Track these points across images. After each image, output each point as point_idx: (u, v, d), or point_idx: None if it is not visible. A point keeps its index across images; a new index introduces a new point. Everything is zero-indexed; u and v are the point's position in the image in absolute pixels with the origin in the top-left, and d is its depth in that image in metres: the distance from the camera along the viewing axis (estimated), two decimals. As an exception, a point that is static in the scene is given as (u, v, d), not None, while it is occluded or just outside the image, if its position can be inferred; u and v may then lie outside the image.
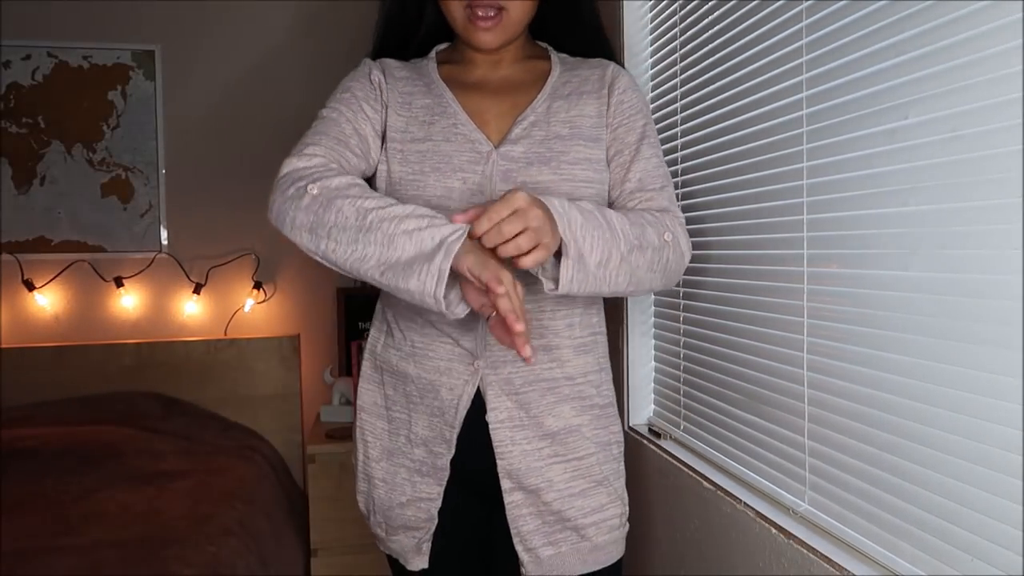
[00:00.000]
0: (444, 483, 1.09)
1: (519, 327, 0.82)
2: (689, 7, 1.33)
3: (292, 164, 0.98)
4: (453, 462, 1.08)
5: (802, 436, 0.99)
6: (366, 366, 1.17)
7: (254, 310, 2.72)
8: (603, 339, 1.17)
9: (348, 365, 2.67)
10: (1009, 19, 0.64)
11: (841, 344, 0.90)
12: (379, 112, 1.10)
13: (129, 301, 2.63)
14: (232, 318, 2.69)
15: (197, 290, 2.66)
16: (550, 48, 1.20)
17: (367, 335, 1.19)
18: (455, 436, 1.07)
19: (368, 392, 1.16)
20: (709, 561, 1.22)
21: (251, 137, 2.70)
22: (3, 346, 2.53)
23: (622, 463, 1.16)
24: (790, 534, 0.98)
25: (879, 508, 0.84)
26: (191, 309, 2.67)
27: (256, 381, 2.66)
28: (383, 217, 0.89)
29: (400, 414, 1.12)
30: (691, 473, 1.28)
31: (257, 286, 2.69)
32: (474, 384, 1.06)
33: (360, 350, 2.48)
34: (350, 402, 2.55)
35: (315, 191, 0.92)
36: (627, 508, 1.15)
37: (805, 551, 0.94)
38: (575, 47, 1.20)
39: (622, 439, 1.16)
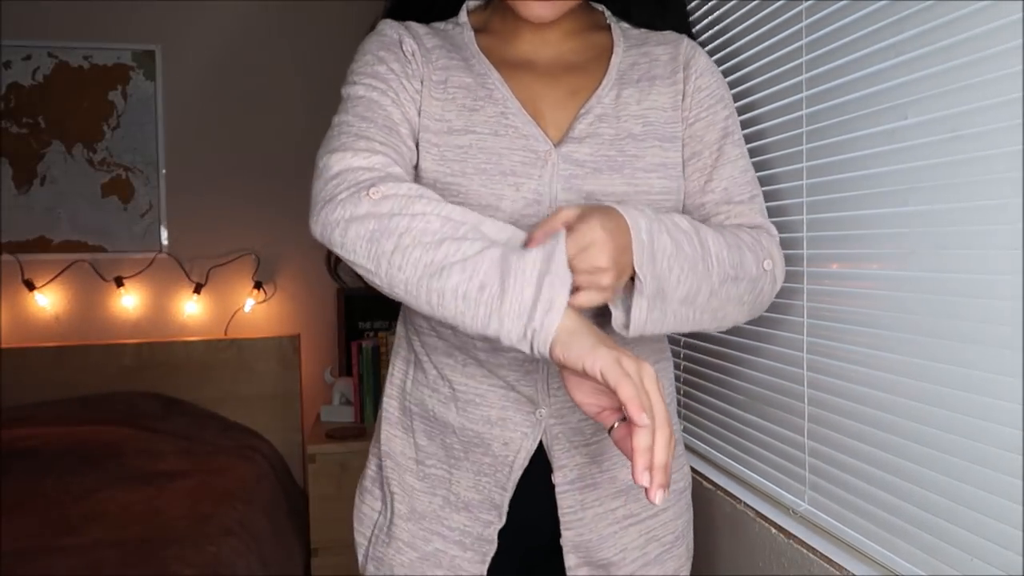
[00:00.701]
0: (489, 560, 0.89)
1: (660, 477, 0.60)
2: (689, 7, 1.33)
3: (346, 161, 0.75)
4: (502, 532, 0.88)
5: (802, 436, 0.98)
6: (391, 407, 0.96)
7: (254, 310, 2.72)
8: (670, 361, 0.99)
9: (348, 365, 2.67)
10: (1009, 19, 0.64)
11: (841, 344, 0.90)
12: (419, 92, 0.86)
13: (129, 301, 2.63)
14: (232, 318, 2.69)
15: (197, 290, 2.66)
16: (608, 14, 0.96)
17: (387, 365, 0.97)
18: (507, 501, 0.87)
19: (396, 439, 0.95)
20: (709, 561, 1.22)
21: (251, 137, 2.70)
22: (3, 346, 2.53)
23: (691, 506, 1.00)
24: (790, 534, 0.98)
25: (879, 508, 0.84)
26: (191, 309, 2.67)
27: (256, 381, 2.66)
28: (465, 234, 0.69)
29: (437, 470, 0.91)
30: (691, 473, 1.27)
31: (257, 286, 2.69)
32: (535, 438, 0.87)
33: (360, 350, 2.48)
34: (350, 402, 2.55)
35: (378, 195, 0.71)
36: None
37: (805, 551, 0.94)
38: (640, 10, 0.97)
39: (691, 478, 1.01)
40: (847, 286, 0.89)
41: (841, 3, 0.87)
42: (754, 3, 1.09)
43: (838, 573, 0.87)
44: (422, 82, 0.86)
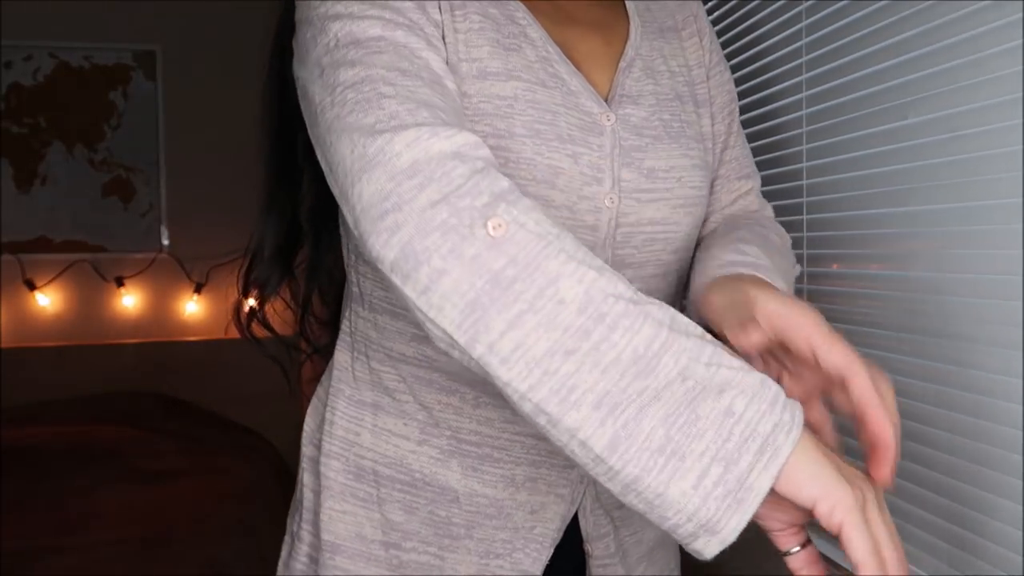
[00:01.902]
0: None
1: None
2: (689, 7, 1.33)
3: (422, 145, 0.49)
4: None
5: (802, 436, 0.98)
6: (332, 470, 0.69)
7: (254, 310, 2.72)
8: None
9: (348, 365, 2.68)
10: (1009, 19, 0.64)
11: (841, 344, 0.90)
12: (439, 25, 0.61)
13: (130, 301, 2.63)
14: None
15: (198, 290, 2.66)
16: None
17: (309, 399, 0.75)
18: None
19: (344, 518, 0.68)
20: (708, 561, 1.22)
21: (252, 137, 2.69)
22: (3, 346, 2.53)
23: None
24: (790, 534, 0.98)
25: (879, 508, 0.84)
26: (192, 309, 2.67)
27: (256, 381, 2.65)
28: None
29: (421, 555, 0.67)
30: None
31: (257, 286, 2.70)
32: (575, 501, 0.69)
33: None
34: (350, 402, 2.55)
35: (500, 230, 0.46)
36: None
37: (805, 551, 0.93)
38: None
39: None
40: (847, 286, 0.89)
41: (841, 3, 0.87)
42: (754, 3, 1.09)
43: (838, 573, 0.87)
44: (440, 8, 0.61)
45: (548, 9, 0.67)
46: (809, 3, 0.94)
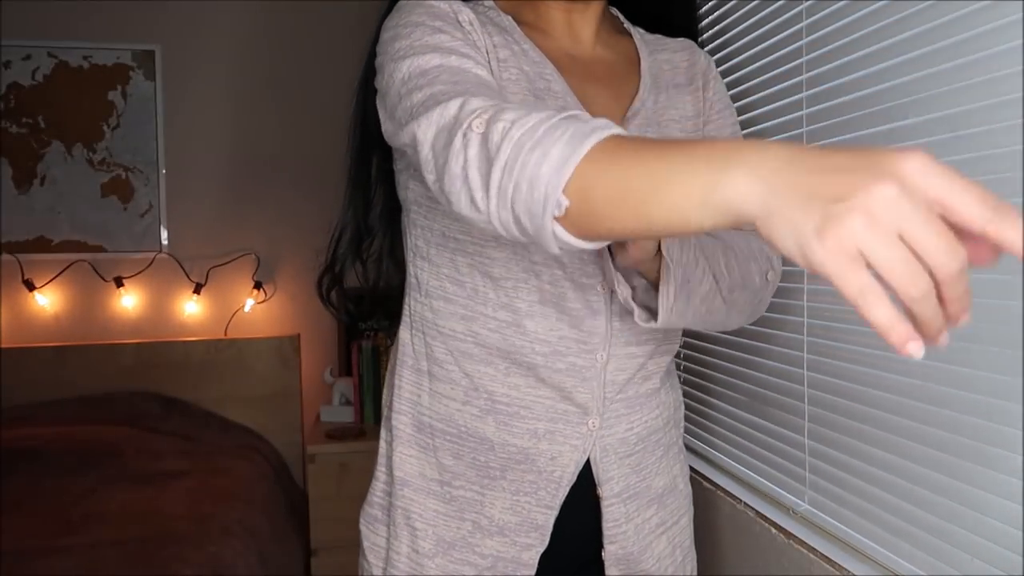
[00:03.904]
0: None
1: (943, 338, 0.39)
2: (689, 7, 1.33)
3: (445, 111, 0.62)
4: (541, 556, 0.84)
5: (802, 436, 0.98)
6: (402, 424, 0.88)
7: (254, 310, 2.71)
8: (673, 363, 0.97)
9: (348, 365, 2.67)
10: (1009, 19, 0.64)
11: (841, 344, 0.90)
12: (489, 66, 0.76)
13: (129, 301, 2.63)
14: (232, 318, 2.69)
15: (197, 290, 2.66)
16: (622, 17, 0.94)
17: (387, 365, 0.90)
18: (552, 521, 0.83)
19: (411, 461, 0.87)
20: (709, 562, 1.22)
21: (251, 137, 2.70)
22: (3, 346, 2.53)
23: None
24: (790, 534, 0.98)
25: (879, 508, 0.84)
26: (191, 309, 2.67)
27: (256, 381, 2.66)
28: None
29: (467, 492, 0.84)
30: (691, 473, 1.27)
31: (257, 286, 2.69)
32: (586, 450, 0.84)
33: (360, 350, 2.48)
34: (350, 402, 2.55)
35: (481, 128, 0.59)
36: None
37: (805, 551, 0.94)
38: (650, 10, 0.94)
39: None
40: (847, 286, 0.89)
41: (841, 3, 0.87)
42: (754, 3, 1.09)
43: (838, 573, 0.87)
44: (487, 56, 0.77)
45: (572, 67, 0.83)
46: (809, 3, 0.94)
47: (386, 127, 0.75)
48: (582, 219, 0.53)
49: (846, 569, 0.87)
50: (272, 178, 2.69)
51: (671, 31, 0.94)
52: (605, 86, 0.85)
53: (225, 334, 2.69)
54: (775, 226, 0.40)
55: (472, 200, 0.59)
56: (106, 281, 2.61)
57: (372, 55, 0.81)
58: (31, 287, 2.56)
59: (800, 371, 0.98)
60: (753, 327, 1.10)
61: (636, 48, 0.90)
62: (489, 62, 0.76)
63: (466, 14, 0.77)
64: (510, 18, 0.83)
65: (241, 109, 2.70)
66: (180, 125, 2.66)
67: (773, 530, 1.01)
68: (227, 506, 1.92)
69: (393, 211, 0.92)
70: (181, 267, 2.65)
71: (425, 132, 0.63)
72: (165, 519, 1.79)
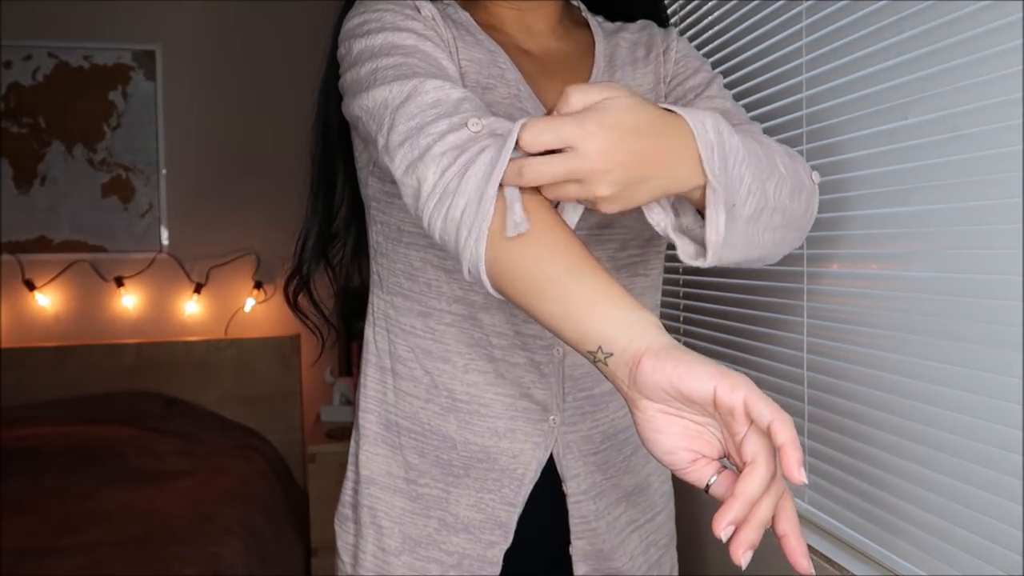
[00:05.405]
0: None
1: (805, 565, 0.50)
2: (689, 7, 1.33)
3: (444, 91, 0.64)
4: (507, 554, 0.83)
5: (802, 436, 0.98)
6: (368, 423, 0.87)
7: (254, 310, 2.72)
8: None
9: (348, 365, 2.68)
10: (1009, 19, 0.64)
11: (841, 344, 0.90)
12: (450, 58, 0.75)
13: (129, 301, 2.64)
14: (232, 318, 2.69)
15: (198, 290, 2.66)
16: (583, 8, 0.92)
17: (360, 371, 0.90)
18: (515, 518, 0.82)
19: (378, 459, 0.86)
20: (708, 562, 1.22)
21: (251, 137, 2.70)
22: (3, 346, 2.53)
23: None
24: (790, 534, 0.98)
25: (879, 508, 0.84)
26: (191, 309, 2.67)
27: (256, 381, 2.66)
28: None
29: (432, 489, 0.84)
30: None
31: (257, 286, 2.69)
32: (547, 448, 0.82)
33: (360, 350, 2.48)
34: (350, 402, 2.55)
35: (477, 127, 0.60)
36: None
37: (805, 551, 0.94)
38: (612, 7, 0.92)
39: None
40: (847, 286, 0.89)
41: (841, 3, 0.87)
42: (754, 3, 1.09)
43: (838, 573, 0.87)
44: (448, 47, 0.77)
45: (525, 61, 0.82)
46: (809, 3, 0.94)
47: (348, 100, 0.74)
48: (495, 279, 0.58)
49: (846, 569, 0.87)
50: (272, 178, 2.69)
51: (632, 20, 0.92)
52: (560, 76, 0.83)
53: (225, 334, 2.69)
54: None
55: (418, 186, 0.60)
56: (106, 281, 2.62)
57: (332, 61, 0.83)
58: (31, 287, 2.56)
59: (800, 371, 0.98)
60: (753, 327, 1.10)
61: (593, 36, 0.88)
62: (451, 53, 0.77)
63: (428, 9, 0.78)
64: (467, 14, 0.83)
65: (241, 109, 2.70)
66: (180, 125, 2.66)
67: (773, 530, 1.01)
68: (227, 506, 1.92)
69: (360, 213, 0.92)
70: (181, 267, 2.66)
71: (396, 96, 0.65)
72: (165, 519, 1.79)
